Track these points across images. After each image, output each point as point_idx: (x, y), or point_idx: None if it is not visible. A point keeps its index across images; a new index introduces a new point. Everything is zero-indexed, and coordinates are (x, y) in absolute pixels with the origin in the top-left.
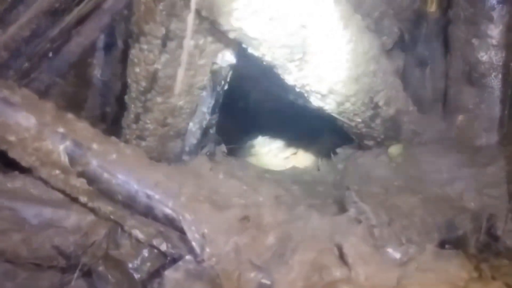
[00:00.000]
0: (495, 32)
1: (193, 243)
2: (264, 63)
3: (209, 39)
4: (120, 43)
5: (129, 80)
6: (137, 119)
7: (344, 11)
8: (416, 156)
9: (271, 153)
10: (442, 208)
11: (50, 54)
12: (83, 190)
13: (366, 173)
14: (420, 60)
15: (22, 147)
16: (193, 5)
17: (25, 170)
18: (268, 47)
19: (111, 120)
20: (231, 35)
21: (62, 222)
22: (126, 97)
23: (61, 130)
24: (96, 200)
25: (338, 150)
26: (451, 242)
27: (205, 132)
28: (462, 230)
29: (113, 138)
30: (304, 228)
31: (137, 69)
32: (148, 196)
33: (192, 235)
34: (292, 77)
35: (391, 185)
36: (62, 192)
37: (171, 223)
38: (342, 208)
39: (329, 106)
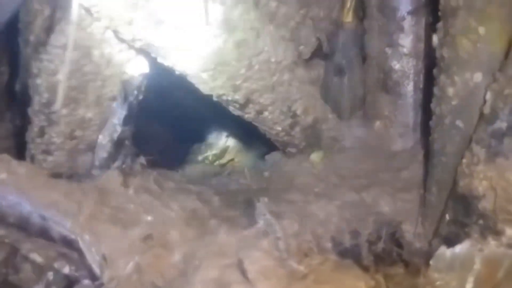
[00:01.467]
0: (406, 41)
1: (93, 266)
2: (176, 72)
3: (116, 48)
4: (23, 52)
5: (30, 92)
6: (42, 132)
7: (256, 21)
8: (336, 162)
9: (208, 160)
10: (357, 214)
11: None
12: None
13: (290, 180)
14: (339, 68)
15: None
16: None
17: None
18: (177, 57)
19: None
20: (137, 45)
21: None
22: (28, 109)
23: None
24: None
25: (266, 157)
26: (350, 251)
27: (119, 144)
28: (360, 238)
29: (5, 156)
30: (211, 244)
31: (38, 81)
32: (43, 217)
33: (92, 257)
34: (207, 86)
35: (311, 192)
36: None
37: (70, 245)
38: (252, 221)
39: (248, 115)
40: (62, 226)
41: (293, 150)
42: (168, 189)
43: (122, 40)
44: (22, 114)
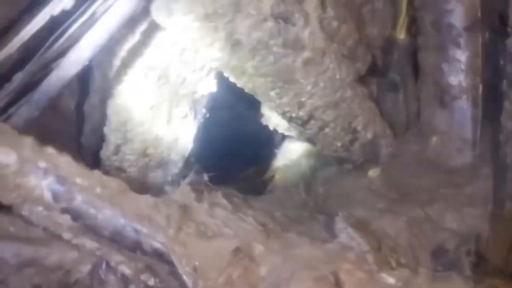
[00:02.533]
0: (463, 57)
1: (184, 277)
2: (246, 90)
3: (191, 68)
4: (97, 74)
5: (109, 111)
6: (117, 150)
7: (322, 40)
8: (395, 178)
9: (249, 177)
10: (426, 229)
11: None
12: (68, 227)
13: (348, 196)
14: (393, 85)
15: (3, 184)
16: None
17: (1, 208)
18: (249, 76)
19: (87, 152)
20: (213, 65)
21: (42, 260)
22: (105, 128)
23: (43, 165)
24: (81, 236)
25: (318, 173)
26: (443, 265)
27: (188, 161)
28: (453, 252)
29: (96, 172)
30: (297, 256)
31: (118, 101)
32: (136, 231)
33: (183, 268)
34: (273, 104)
35: (374, 208)
36: (44, 229)
37: (160, 257)
38: (332, 234)
39: (309, 131)
40: (153, 239)
41: (349, 166)
42: (235, 204)
43: (200, 61)
44: (94, 133)
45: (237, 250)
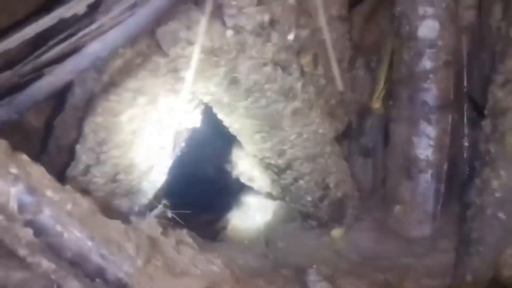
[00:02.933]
0: (433, 133)
1: None
2: (230, 129)
3: (181, 99)
4: (78, 91)
5: (86, 129)
6: (86, 171)
7: (312, 94)
8: (357, 241)
9: (201, 224)
10: None
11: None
12: (26, 242)
13: (311, 253)
14: (364, 150)
15: None
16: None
17: None
18: (239, 116)
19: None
20: (205, 99)
21: None
22: (77, 146)
23: (14, 171)
24: (39, 255)
25: (277, 228)
26: None
27: (159, 193)
28: None
29: (69, 187)
30: None
31: (99, 119)
32: (102, 256)
33: None
34: (255, 147)
35: (337, 267)
36: None
37: None
38: (303, 287)
39: (283, 181)
40: (119, 267)
41: (314, 223)
42: (201, 245)
43: (191, 93)
44: (61, 152)
45: None
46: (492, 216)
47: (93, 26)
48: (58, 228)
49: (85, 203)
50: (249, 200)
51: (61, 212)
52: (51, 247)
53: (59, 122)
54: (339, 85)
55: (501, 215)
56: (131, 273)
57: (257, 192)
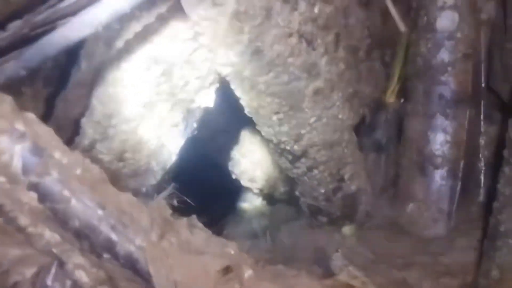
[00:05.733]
0: (450, 128)
1: None
2: (246, 110)
3: (196, 73)
4: (84, 64)
5: (94, 101)
6: (91, 146)
7: (335, 74)
8: (370, 239)
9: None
10: None
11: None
12: (29, 208)
13: (321, 250)
14: (377, 145)
15: None
16: None
17: None
18: (258, 93)
19: None
20: (225, 71)
21: None
22: (83, 120)
23: (20, 127)
24: (41, 225)
25: (284, 226)
26: None
27: (169, 174)
28: None
29: (78, 152)
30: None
31: (110, 90)
32: (113, 227)
33: (160, 281)
34: (271, 130)
35: (352, 263)
36: None
37: (132, 265)
38: (327, 271)
39: (297, 170)
40: (131, 241)
41: (324, 219)
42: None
43: (207, 68)
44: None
45: (226, 270)
46: None
47: None
48: (66, 193)
49: (96, 170)
50: (245, 206)
51: (70, 177)
52: (57, 214)
53: (62, 99)
54: (401, 26)
55: None
56: (143, 248)
57: (257, 194)
